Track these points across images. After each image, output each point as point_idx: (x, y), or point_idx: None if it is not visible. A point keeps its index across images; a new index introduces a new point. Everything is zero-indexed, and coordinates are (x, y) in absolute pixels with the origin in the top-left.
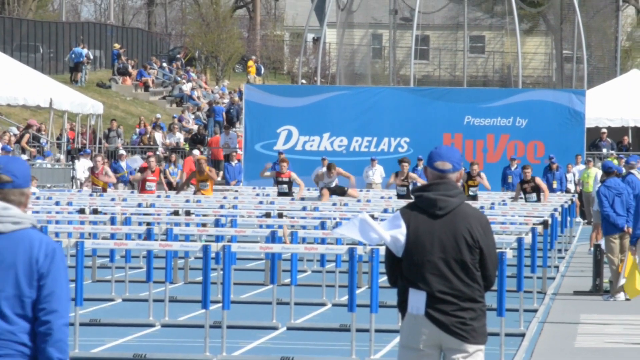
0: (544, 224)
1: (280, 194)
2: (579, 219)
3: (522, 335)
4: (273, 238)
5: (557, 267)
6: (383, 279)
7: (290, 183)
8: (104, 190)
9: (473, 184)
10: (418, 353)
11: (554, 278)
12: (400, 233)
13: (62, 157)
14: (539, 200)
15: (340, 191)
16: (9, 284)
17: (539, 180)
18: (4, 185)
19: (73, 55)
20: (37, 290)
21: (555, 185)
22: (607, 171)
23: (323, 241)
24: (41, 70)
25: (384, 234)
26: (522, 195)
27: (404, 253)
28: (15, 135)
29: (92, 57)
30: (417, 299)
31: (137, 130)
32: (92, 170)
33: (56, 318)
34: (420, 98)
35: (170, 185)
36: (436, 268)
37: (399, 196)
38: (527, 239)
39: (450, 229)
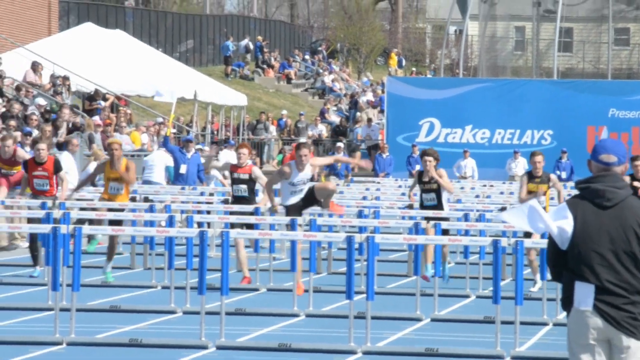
0: None
1: (237, 199)
2: None
3: None
4: (416, 229)
5: None
6: (527, 271)
7: (251, 182)
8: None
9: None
10: (588, 348)
11: None
12: (567, 224)
13: (207, 148)
14: None
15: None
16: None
17: None
18: None
19: (230, 50)
20: None
21: None
22: None
23: (467, 233)
24: (185, 62)
25: (551, 225)
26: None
27: (570, 244)
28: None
29: (251, 47)
30: (584, 293)
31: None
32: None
33: None
34: (564, 90)
35: None
36: (604, 259)
37: (424, 207)
38: None
39: (619, 221)
